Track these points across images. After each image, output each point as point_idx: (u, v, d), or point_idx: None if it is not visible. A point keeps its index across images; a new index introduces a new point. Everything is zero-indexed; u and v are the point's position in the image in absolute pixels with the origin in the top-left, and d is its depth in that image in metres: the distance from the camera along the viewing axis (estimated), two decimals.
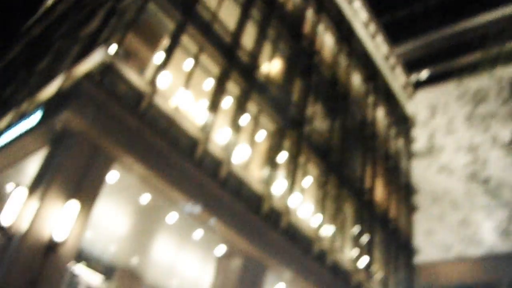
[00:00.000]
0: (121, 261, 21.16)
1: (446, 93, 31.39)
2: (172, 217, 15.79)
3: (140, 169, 13.61)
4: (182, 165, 14.45)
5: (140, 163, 13.42)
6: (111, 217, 17.13)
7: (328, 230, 21.24)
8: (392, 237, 27.64)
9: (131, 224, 17.80)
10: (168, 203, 15.03)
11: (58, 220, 11.42)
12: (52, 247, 11.22)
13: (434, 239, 34.95)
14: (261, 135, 19.05)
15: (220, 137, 16.70)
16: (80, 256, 20.57)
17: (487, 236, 38.36)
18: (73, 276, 20.84)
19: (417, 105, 37.88)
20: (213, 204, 15.14)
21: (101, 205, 14.92)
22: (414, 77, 48.32)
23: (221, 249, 16.95)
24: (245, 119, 17.98)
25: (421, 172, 33.76)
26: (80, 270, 21.05)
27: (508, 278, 37.84)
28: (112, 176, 13.93)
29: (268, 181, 17.99)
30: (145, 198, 15.11)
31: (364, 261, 23.65)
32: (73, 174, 12.11)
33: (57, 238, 11.28)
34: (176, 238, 17.82)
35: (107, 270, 21.80)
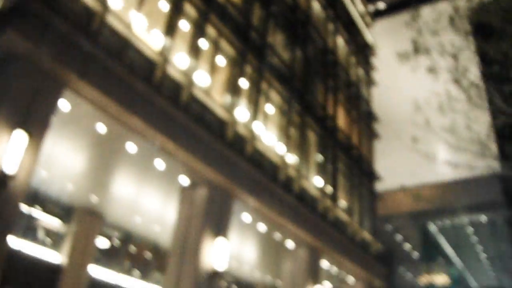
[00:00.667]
0: (80, 200, 20.24)
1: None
2: (132, 147, 14.87)
3: (95, 95, 12.50)
4: (140, 89, 13.40)
5: (94, 88, 12.29)
6: (66, 151, 16.04)
7: (293, 158, 20.84)
8: (355, 165, 27.62)
9: (88, 158, 16.78)
10: (126, 132, 14.04)
11: (4, 153, 10.42)
12: (0, 181, 10.27)
13: (395, 166, 35.36)
14: (222, 60, 18.08)
15: (180, 61, 15.64)
16: (36, 199, 19.61)
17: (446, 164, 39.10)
18: (31, 220, 19.97)
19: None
20: (175, 131, 14.26)
21: (54, 138, 13.97)
22: (372, 7, 47.69)
23: (185, 179, 16.26)
24: (204, 43, 16.93)
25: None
26: (38, 214, 20.16)
27: (465, 203, 39.06)
28: (64, 104, 12.85)
29: (231, 107, 17.20)
30: (102, 127, 14.08)
31: (329, 188, 23.54)
32: (20, 102, 11.02)
33: (5, 172, 10.32)
34: (137, 171, 16.99)
35: (66, 212, 20.92)
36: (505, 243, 41.45)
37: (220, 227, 16.04)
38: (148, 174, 16.72)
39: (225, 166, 16.02)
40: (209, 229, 15.59)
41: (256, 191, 17.43)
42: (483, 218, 41.80)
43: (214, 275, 15.36)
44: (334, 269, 24.94)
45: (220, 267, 15.54)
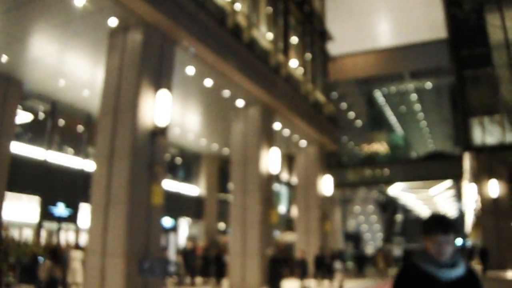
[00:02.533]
0: None
1: None
2: None
3: None
4: None
5: None
6: None
7: (242, 5, 18.00)
8: (307, 21, 25.08)
9: None
10: None
11: None
12: None
13: (343, 30, 33.15)
14: None
15: None
16: None
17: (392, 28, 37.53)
18: None
19: None
20: None
21: None
22: None
23: (113, 21, 13.25)
24: None
25: None
26: None
27: (412, 69, 38.18)
28: None
29: None
30: None
31: (281, 43, 21.09)
32: None
33: None
34: (55, 14, 13.62)
35: None
36: (446, 110, 41.51)
37: (160, 78, 13.40)
38: (69, 18, 13.49)
39: (162, 2, 13.05)
40: (147, 80, 12.95)
41: (201, 36, 14.67)
42: (428, 84, 41.30)
43: (155, 132, 12.95)
44: (286, 131, 23.11)
45: (162, 122, 13.11)
